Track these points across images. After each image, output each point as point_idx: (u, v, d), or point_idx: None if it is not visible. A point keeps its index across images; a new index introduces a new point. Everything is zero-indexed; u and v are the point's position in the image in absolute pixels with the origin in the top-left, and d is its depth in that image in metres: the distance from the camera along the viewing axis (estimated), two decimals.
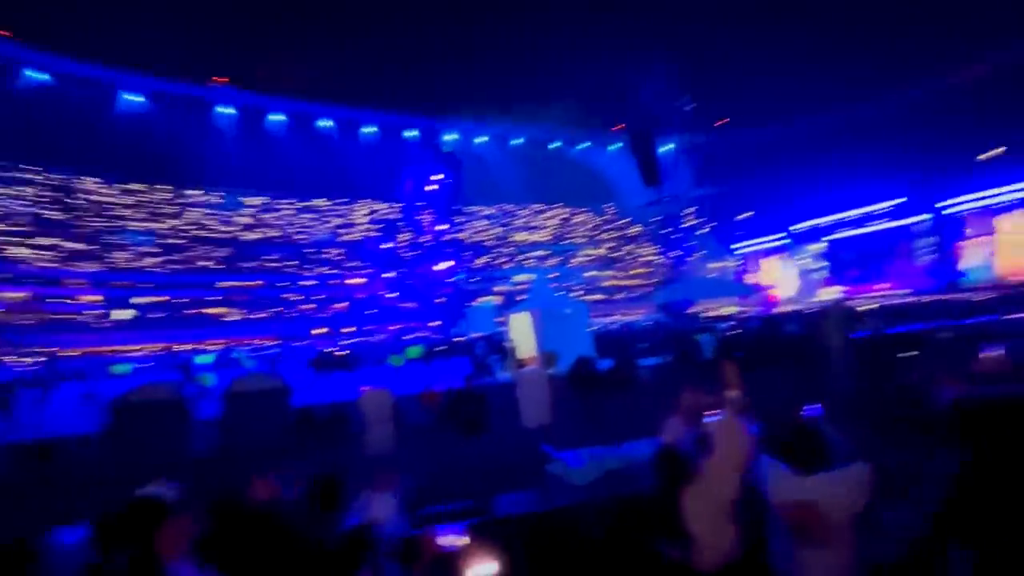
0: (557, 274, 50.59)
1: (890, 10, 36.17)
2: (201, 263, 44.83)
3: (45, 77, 42.02)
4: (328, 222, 53.43)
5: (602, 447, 6.21)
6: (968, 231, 30.68)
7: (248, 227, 50.11)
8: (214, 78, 48.29)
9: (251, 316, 42.55)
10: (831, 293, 33.41)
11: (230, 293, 43.56)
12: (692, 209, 50.57)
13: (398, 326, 40.97)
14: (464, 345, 17.56)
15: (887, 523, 2.01)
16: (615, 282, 55.23)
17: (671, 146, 36.20)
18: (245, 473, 2.66)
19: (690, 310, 27.35)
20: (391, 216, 54.26)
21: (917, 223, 32.95)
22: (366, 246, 51.03)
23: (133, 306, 39.51)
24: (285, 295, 45.27)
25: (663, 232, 30.95)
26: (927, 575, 1.77)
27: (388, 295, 47.49)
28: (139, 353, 33.83)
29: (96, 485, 6.28)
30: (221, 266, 45.29)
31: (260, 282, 45.28)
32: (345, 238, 52.54)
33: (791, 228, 41.06)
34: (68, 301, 37.59)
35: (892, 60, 37.94)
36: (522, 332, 16.63)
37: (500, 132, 53.68)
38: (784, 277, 41.81)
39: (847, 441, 2.32)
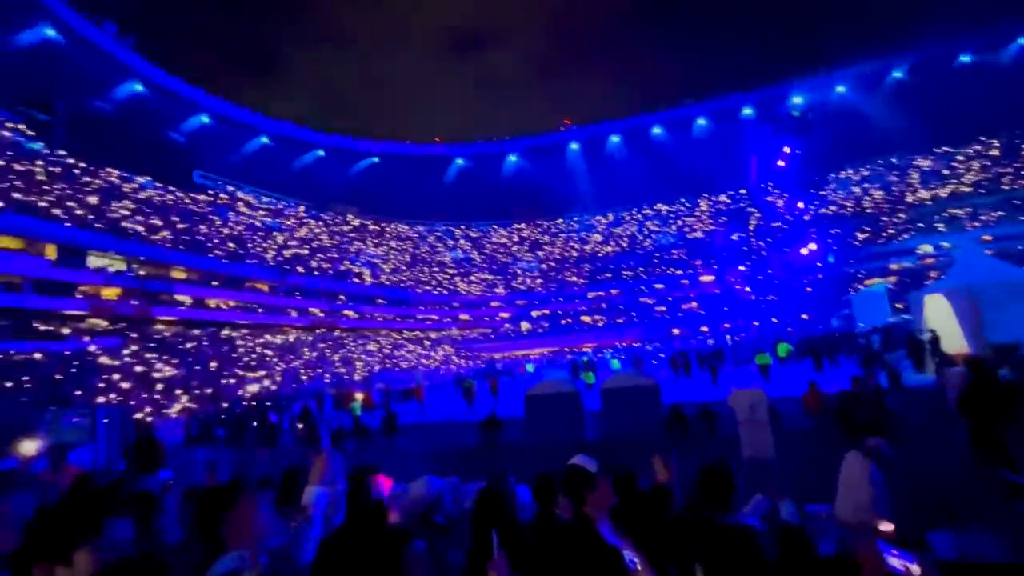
0: (990, 237, 35.81)
1: None
2: (571, 279, 52.99)
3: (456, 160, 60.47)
4: (671, 225, 54.30)
5: None
6: None
7: (602, 243, 56.28)
8: (566, 121, 57.48)
9: (615, 321, 47.15)
10: None
11: (596, 302, 49.69)
12: None
13: (757, 322, 37.44)
14: (845, 340, 14.48)
15: None
16: None
17: None
18: (629, 458, 2.94)
19: None
20: (736, 206, 50.65)
21: None
22: (713, 241, 49.16)
23: (530, 319, 50.11)
24: (641, 299, 48.18)
25: None
26: None
27: (743, 289, 44.12)
28: (537, 355, 42.58)
29: (522, 454, 8.26)
30: (585, 280, 52.34)
31: (617, 290, 49.83)
32: (690, 236, 52.14)
33: None
34: (488, 319, 50.98)
35: None
36: (945, 319, 12.55)
37: (868, 73, 42.50)
38: None
39: None
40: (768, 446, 6.41)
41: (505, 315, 51.11)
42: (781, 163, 44.64)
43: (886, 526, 3.32)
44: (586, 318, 48.50)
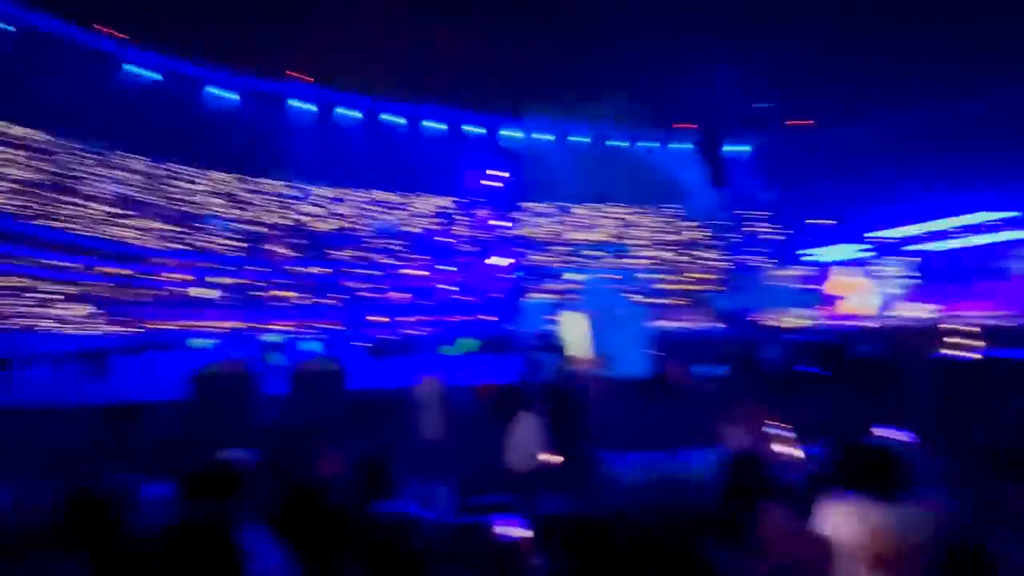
0: (614, 276, 49.81)
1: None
2: (274, 249, 47.80)
3: (145, 72, 46.99)
4: (393, 214, 55.35)
5: (654, 453, 6.08)
6: None
7: (319, 217, 52.87)
8: (289, 72, 51.42)
9: (317, 301, 44.86)
10: (915, 310, 30.77)
11: (301, 279, 46.20)
12: (761, 213, 48.11)
13: (455, 318, 41.85)
14: (516, 341, 17.69)
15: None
16: (676, 286, 53.56)
17: (742, 148, 34.51)
18: (304, 448, 2.83)
19: (753, 319, 26.09)
20: (452, 211, 55.42)
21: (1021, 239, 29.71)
22: (427, 239, 52.46)
23: (213, 286, 42.76)
24: (349, 283, 47.41)
25: (729, 236, 29.57)
26: None
27: (447, 287, 48.59)
28: (216, 330, 36.60)
29: (176, 447, 6.91)
30: (293, 253, 48.09)
31: (328, 270, 47.69)
32: (408, 230, 54.24)
33: (871, 237, 38.11)
34: (157, 278, 41.24)
35: (994, 53, 34.20)
36: (575, 332, 16.52)
37: (563, 130, 53.50)
38: (859, 290, 38.91)
39: (928, 470, 2.14)
40: (442, 430, 7.19)
41: (181, 277, 42.25)
42: (495, 183, 51.30)
43: (551, 458, 4.56)
44: (286, 294, 44.60)
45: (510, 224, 52.87)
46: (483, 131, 53.31)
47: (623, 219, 58.93)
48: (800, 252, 45.17)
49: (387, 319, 42.14)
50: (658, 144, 52.71)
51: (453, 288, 48.35)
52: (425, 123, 54.68)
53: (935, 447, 2.10)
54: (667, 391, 8.40)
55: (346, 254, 49.91)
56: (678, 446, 5.57)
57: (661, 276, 54.04)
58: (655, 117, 47.74)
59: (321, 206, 53.54)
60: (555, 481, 5.06)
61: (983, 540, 1.71)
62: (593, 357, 8.96)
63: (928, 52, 36.45)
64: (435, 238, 52.21)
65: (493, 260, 49.41)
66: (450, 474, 4.50)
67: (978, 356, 10.30)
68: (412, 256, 51.17)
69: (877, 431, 2.78)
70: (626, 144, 53.93)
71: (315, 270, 47.31)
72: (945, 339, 11.71)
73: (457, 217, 54.67)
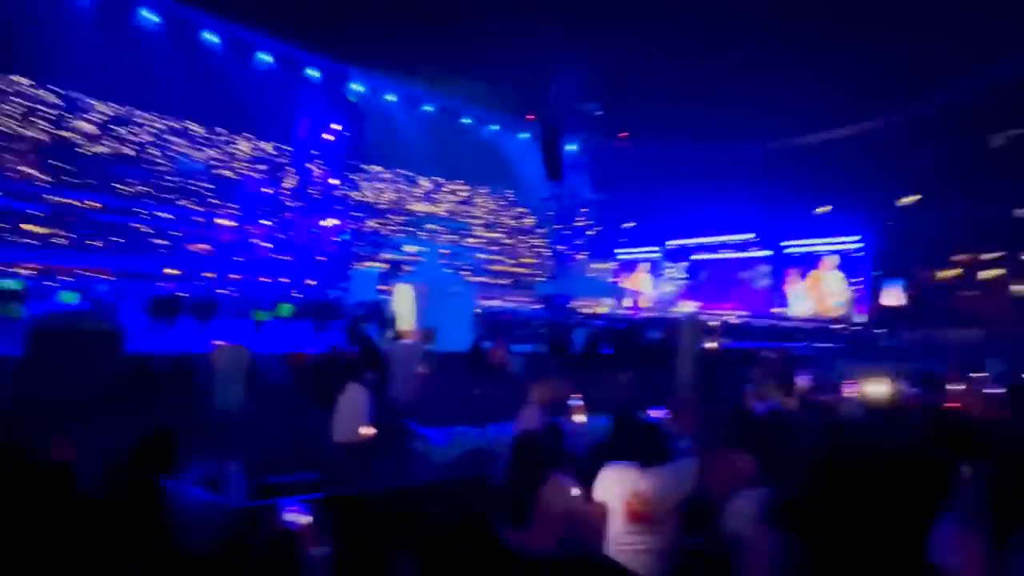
0: (448, 251, 50.21)
1: (775, 64, 41.07)
2: (24, 168, 36.78)
3: None
4: (201, 151, 46.98)
5: (468, 426, 6.35)
6: (796, 270, 36.42)
7: (93, 138, 42.05)
8: None
9: (84, 242, 36.04)
10: (687, 307, 37.55)
11: (59, 211, 36.42)
12: (585, 210, 53.25)
13: (268, 279, 37.69)
14: (340, 309, 16.72)
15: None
16: (504, 267, 56.36)
17: (575, 147, 37.62)
18: (47, 428, 2.25)
19: (569, 304, 28.97)
20: (278, 159, 49.34)
21: (760, 256, 38.32)
22: (244, 186, 45.87)
23: None
24: (133, 224, 39.03)
25: (556, 227, 32.17)
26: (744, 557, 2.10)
27: (262, 244, 43.35)
28: None
29: None
30: (49, 177, 37.57)
31: (100, 205, 38.46)
32: (220, 173, 46.66)
33: (665, 243, 45.31)
34: None
35: (766, 111, 43.25)
36: (405, 304, 16.31)
37: (411, 95, 51.09)
38: (651, 286, 46.06)
39: (685, 439, 2.63)
40: (241, 401, 6.44)
41: None
42: (331, 137, 46.97)
43: (368, 431, 4.47)
44: (34, 228, 35.01)
45: (341, 183, 49.30)
46: (318, 75, 47.89)
47: (464, 197, 59.70)
48: (615, 250, 51.44)
49: (179, 272, 36.02)
50: (499, 127, 54.22)
51: (268, 245, 43.41)
52: (259, 55, 47.08)
53: (692, 421, 2.58)
54: (485, 368, 8.83)
55: (129, 189, 41.01)
56: (493, 420, 5.89)
57: (492, 257, 56.41)
58: (505, 102, 48.89)
59: (98, 124, 42.76)
60: (371, 455, 4.95)
61: (715, 495, 2.17)
62: (420, 330, 8.94)
63: (728, 97, 44.23)
64: (254, 187, 45.99)
65: (323, 221, 45.66)
66: (249, 451, 4.07)
67: (719, 344, 13.10)
68: (222, 203, 44.36)
69: (649, 408, 3.32)
70: (470, 122, 54.24)
71: (85, 203, 37.95)
72: (705, 331, 14.58)
73: (286, 167, 48.96)
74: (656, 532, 2.06)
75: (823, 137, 44.86)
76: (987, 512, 1.50)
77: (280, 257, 42.43)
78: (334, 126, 46.37)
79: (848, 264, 34.15)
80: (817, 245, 35.37)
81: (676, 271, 44.89)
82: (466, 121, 54.55)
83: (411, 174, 56.62)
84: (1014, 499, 1.49)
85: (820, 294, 34.77)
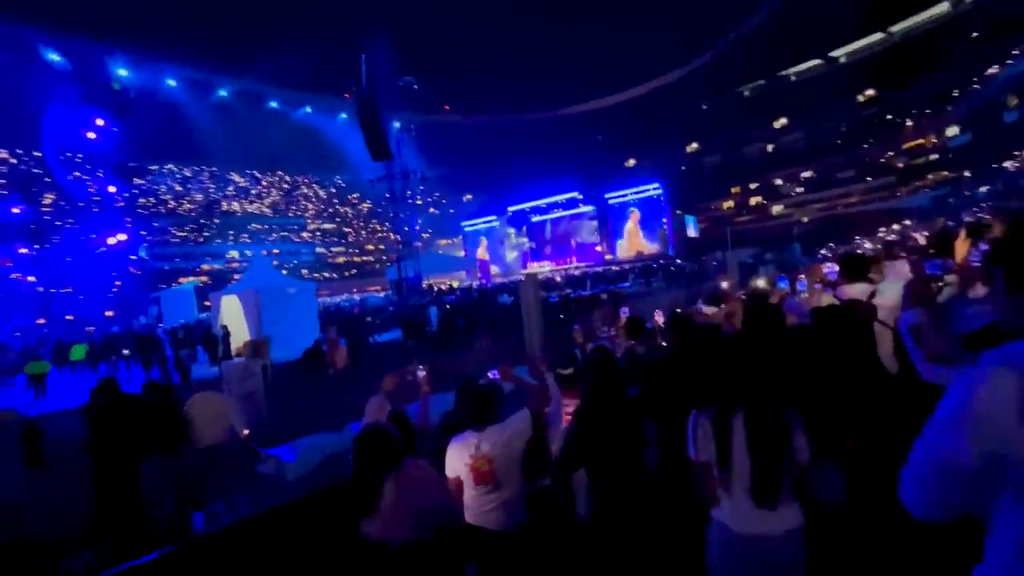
0: (278, 251, 45.67)
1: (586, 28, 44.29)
2: None
3: None
4: None
5: (325, 433, 5.92)
6: (616, 219, 40.89)
7: None
8: None
9: None
10: (534, 268, 39.84)
11: None
12: (422, 188, 52.53)
13: (43, 320, 30.29)
14: (151, 339, 14.19)
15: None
16: (346, 258, 53.32)
17: (398, 124, 36.45)
18: None
19: (421, 285, 28.62)
20: (24, 171, 39.05)
21: (587, 212, 42.12)
22: None
23: None
24: None
25: (394, 208, 31.16)
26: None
27: (25, 278, 34.42)
28: None
29: None
30: None
31: None
32: None
33: (507, 210, 47.11)
34: None
35: (584, 74, 47.02)
36: (235, 317, 14.49)
37: (197, 77, 43.75)
38: (498, 254, 47.77)
39: (523, 393, 2.75)
40: (15, 482, 5.08)
41: None
42: (92, 135, 38.47)
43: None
44: None
45: (119, 190, 41.11)
46: (61, 60, 38.06)
47: (286, 189, 54.41)
48: (458, 223, 51.88)
49: None
50: (311, 109, 49.97)
51: (31, 279, 34.68)
52: None
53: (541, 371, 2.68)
54: (328, 366, 8.31)
55: None
56: (354, 419, 5.55)
57: (331, 249, 52.86)
58: (314, 81, 44.95)
59: None
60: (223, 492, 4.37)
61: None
62: (249, 343, 8.03)
63: (548, 65, 46.79)
64: (4, 209, 36.02)
65: (109, 238, 37.79)
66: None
67: (567, 296, 14.19)
68: None
69: (490, 372, 3.41)
70: (277, 106, 48.93)
71: None
72: (548, 286, 15.63)
73: (38, 179, 39.07)
74: (502, 487, 2.13)
75: (623, 97, 50.24)
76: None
77: (56, 290, 34.24)
78: (97, 121, 37.84)
79: (653, 207, 39.33)
80: (628, 195, 40.00)
81: (519, 236, 47.10)
82: (273, 105, 49.03)
83: (217, 171, 49.55)
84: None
85: (634, 240, 39.76)
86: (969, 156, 32.85)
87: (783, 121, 44.32)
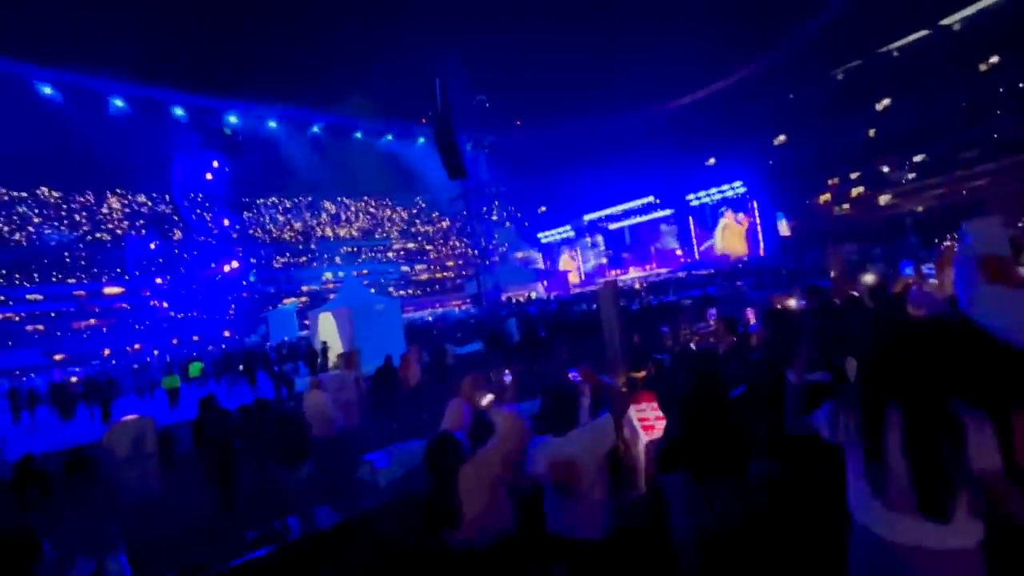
0: (367, 271, 48.59)
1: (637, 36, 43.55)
2: None
3: None
4: (65, 217, 41.96)
5: (411, 441, 6.11)
6: (698, 221, 38.98)
7: None
8: None
9: None
10: (612, 275, 38.98)
11: None
12: (496, 203, 53.60)
13: (176, 340, 34.53)
14: (259, 355, 15.62)
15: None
16: (429, 275, 55.55)
17: (471, 143, 37.70)
18: None
19: (500, 297, 29.09)
20: (157, 210, 45.17)
21: (666, 216, 40.63)
22: (126, 246, 41.59)
23: None
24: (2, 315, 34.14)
25: (471, 224, 32.09)
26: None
27: (160, 304, 39.61)
28: None
29: None
30: None
31: None
32: (93, 237, 41.93)
33: (581, 219, 46.75)
34: None
35: (641, 82, 46.00)
36: (330, 333, 15.58)
37: (294, 117, 48.48)
38: (576, 263, 47.37)
39: (607, 398, 2.64)
40: (155, 481, 5.77)
41: None
42: (209, 176, 43.66)
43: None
44: None
45: (232, 223, 46.10)
46: (183, 113, 44.05)
47: (375, 213, 58.00)
48: (534, 235, 52.30)
49: (65, 356, 32.08)
50: (392, 136, 53.12)
51: (164, 304, 39.72)
52: (113, 100, 42.30)
53: (594, 378, 2.59)
54: (400, 383, 8.56)
55: None
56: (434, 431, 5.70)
57: (414, 267, 55.37)
58: (395, 108, 47.82)
59: None
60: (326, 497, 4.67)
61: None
62: (350, 355, 8.52)
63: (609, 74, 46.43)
64: (138, 246, 41.87)
65: (225, 266, 42.50)
66: (155, 537, 3.66)
67: (648, 303, 13.68)
68: (101, 270, 39.99)
69: (572, 375, 3.32)
70: (362, 136, 52.63)
71: None
72: (629, 294, 15.18)
73: (171, 217, 44.98)
74: (585, 494, 2.04)
75: (696, 96, 48.21)
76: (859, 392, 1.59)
77: (185, 314, 39.00)
78: (213, 163, 43.06)
79: (738, 206, 37.03)
80: (712, 195, 38.01)
81: (596, 244, 46.47)
82: (358, 136, 52.83)
83: (312, 200, 54.07)
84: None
85: (720, 242, 37.59)
86: None
87: (886, 102, 40.03)
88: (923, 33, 38.73)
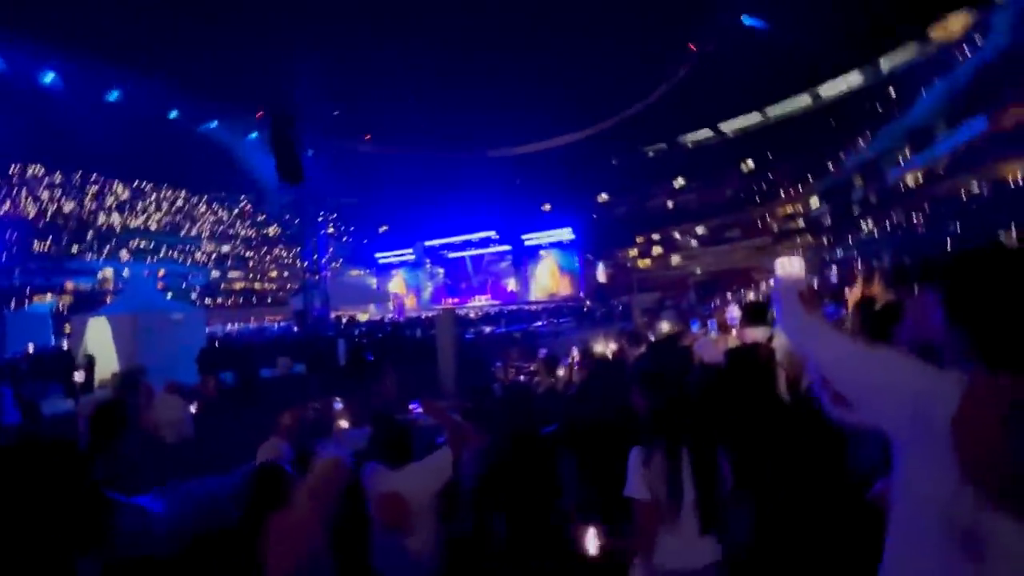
0: (163, 271, 41.25)
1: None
2: None
3: None
4: None
5: (212, 476, 5.22)
6: (531, 260, 42.23)
7: None
8: None
9: None
10: (448, 303, 39.52)
11: None
12: (333, 215, 50.60)
13: None
14: None
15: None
16: (246, 284, 49.36)
17: (312, 150, 35.17)
18: None
19: (328, 316, 27.09)
20: None
21: (502, 251, 43.13)
22: None
23: None
24: None
25: (303, 235, 29.56)
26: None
27: None
28: None
29: None
30: None
31: None
32: None
33: (422, 244, 46.69)
34: None
35: (492, 123, 48.68)
36: (102, 344, 12.69)
37: (82, 75, 39.20)
38: (412, 287, 46.93)
39: (440, 430, 2.62)
40: None
41: None
42: None
43: None
44: None
45: None
46: None
47: (182, 206, 49.81)
48: (371, 254, 50.34)
49: None
50: (223, 125, 46.86)
51: None
52: None
53: (442, 412, 2.58)
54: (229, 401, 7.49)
55: None
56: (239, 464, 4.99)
57: (227, 273, 48.73)
58: (224, 92, 42.11)
59: None
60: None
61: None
62: (113, 376, 6.99)
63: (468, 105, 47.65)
64: None
65: None
66: None
67: (481, 332, 14.14)
68: None
69: (412, 406, 3.24)
70: (181, 116, 45.26)
71: None
72: (463, 323, 15.50)
73: None
74: (416, 532, 1.97)
75: (539, 147, 52.87)
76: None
77: None
78: None
79: (566, 250, 41.18)
80: (543, 237, 41.61)
81: (435, 273, 46.69)
82: (173, 116, 45.21)
83: (101, 179, 44.24)
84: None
85: (547, 281, 41.30)
86: (828, 224, 38.51)
87: (681, 181, 48.95)
88: (708, 133, 48.66)
